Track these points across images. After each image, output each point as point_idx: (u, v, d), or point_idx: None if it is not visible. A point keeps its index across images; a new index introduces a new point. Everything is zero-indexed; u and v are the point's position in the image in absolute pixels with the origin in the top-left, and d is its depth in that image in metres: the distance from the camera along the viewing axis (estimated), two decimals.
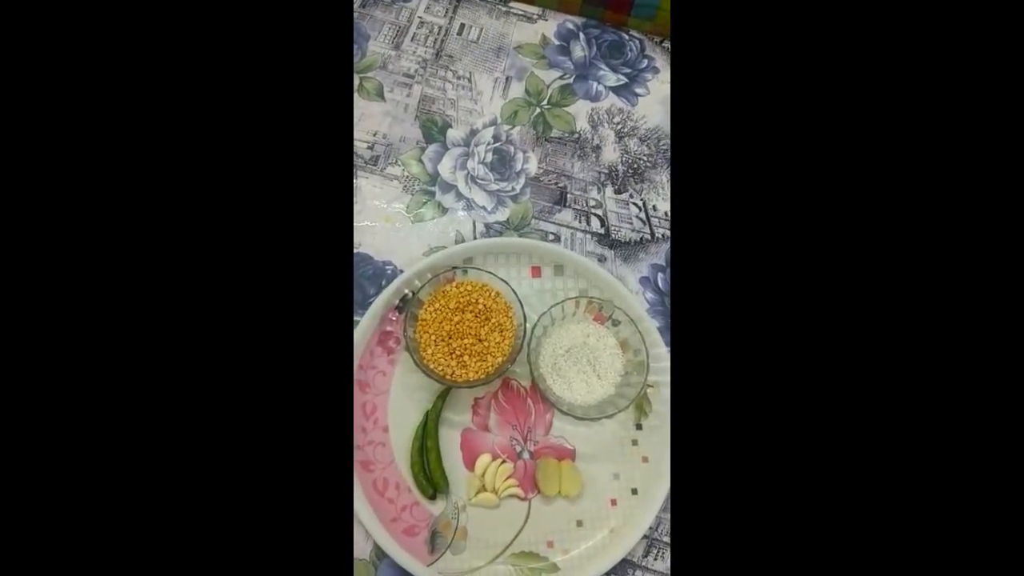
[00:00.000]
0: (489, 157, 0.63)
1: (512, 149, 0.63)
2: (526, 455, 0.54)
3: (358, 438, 0.54)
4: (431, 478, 0.53)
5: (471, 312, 0.53)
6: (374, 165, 0.62)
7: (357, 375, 0.55)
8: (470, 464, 0.54)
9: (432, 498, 0.53)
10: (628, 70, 0.67)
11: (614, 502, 0.53)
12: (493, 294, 0.54)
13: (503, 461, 0.53)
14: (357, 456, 0.53)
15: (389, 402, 0.55)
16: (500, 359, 0.53)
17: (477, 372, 0.52)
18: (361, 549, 0.52)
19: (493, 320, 0.53)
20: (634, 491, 0.54)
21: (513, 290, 0.54)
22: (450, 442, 0.54)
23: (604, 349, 0.54)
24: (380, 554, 0.52)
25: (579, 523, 0.53)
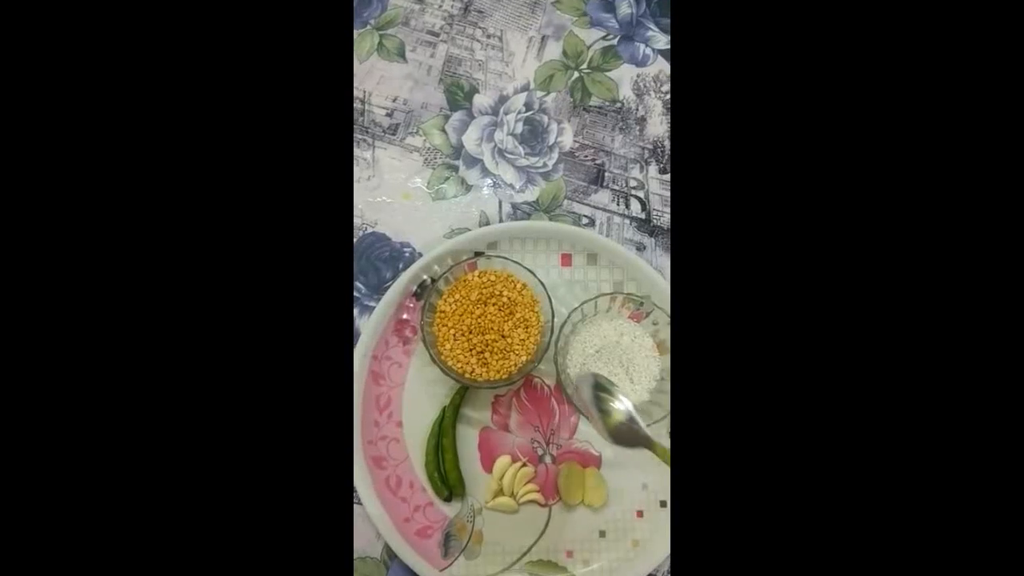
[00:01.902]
0: (519, 128, 0.57)
1: (545, 119, 0.57)
2: (548, 459, 0.51)
3: (371, 433, 0.51)
4: (447, 478, 0.50)
5: (494, 305, 0.49)
6: (393, 134, 0.56)
7: (371, 366, 0.51)
8: (488, 465, 0.50)
9: (447, 500, 0.50)
10: None
11: (640, 513, 0.50)
12: (519, 286, 0.50)
13: (523, 464, 0.50)
14: (369, 452, 0.50)
15: (404, 395, 0.51)
16: (524, 358, 0.48)
17: (499, 372, 0.48)
18: (373, 547, 0.50)
19: (518, 315, 0.49)
20: (663, 503, 0.50)
21: (541, 282, 0.49)
22: (468, 441, 0.51)
23: (639, 351, 0.49)
24: (391, 553, 0.49)
25: (602, 533, 0.50)
